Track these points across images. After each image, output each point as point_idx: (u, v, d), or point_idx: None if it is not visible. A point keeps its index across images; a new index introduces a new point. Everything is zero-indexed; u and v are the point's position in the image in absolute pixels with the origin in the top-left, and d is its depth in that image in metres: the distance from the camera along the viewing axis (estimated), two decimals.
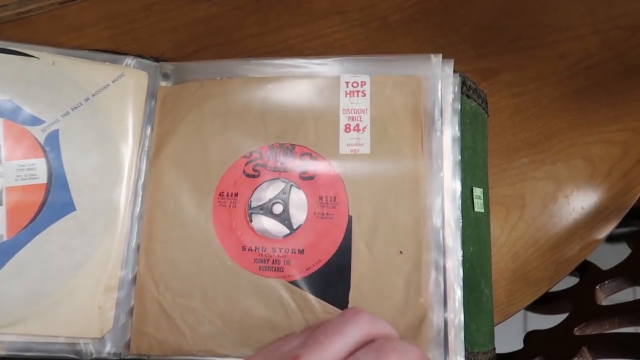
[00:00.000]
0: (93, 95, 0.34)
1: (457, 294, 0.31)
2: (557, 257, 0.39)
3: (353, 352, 0.22)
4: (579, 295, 0.36)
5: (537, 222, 0.39)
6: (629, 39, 0.44)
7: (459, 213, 0.32)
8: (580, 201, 0.40)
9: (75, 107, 0.33)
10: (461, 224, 0.32)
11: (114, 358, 0.30)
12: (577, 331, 0.33)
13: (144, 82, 0.35)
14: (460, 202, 0.32)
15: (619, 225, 0.41)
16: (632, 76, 0.43)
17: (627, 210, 0.40)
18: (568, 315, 0.35)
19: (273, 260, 0.31)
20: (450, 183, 0.32)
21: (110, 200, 0.32)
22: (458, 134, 0.32)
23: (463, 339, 0.30)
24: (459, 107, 0.33)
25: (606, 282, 0.36)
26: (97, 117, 0.34)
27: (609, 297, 0.37)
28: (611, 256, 0.44)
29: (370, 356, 0.21)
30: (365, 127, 0.33)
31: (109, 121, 0.34)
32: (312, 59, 0.35)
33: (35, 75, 0.33)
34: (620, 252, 0.42)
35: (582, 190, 0.40)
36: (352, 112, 0.33)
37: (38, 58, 0.33)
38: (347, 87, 0.34)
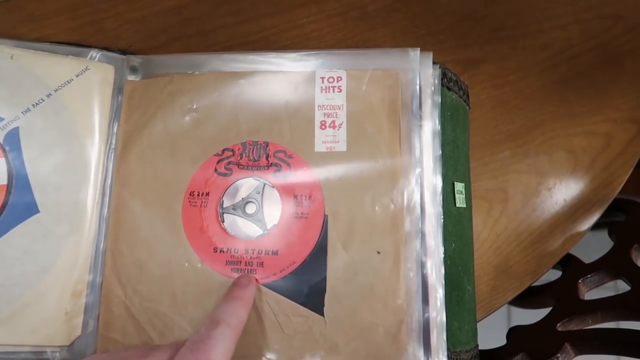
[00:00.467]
0: (55, 90, 0.32)
1: (438, 293, 0.30)
2: (540, 251, 0.38)
3: None
4: (562, 290, 0.36)
5: (520, 216, 0.39)
6: (610, 28, 0.44)
7: (440, 209, 0.31)
8: (562, 194, 0.40)
9: (37, 104, 0.32)
10: (442, 220, 0.31)
11: None
12: (560, 327, 0.33)
13: (110, 77, 0.33)
14: (441, 198, 0.31)
15: (602, 218, 0.40)
16: (614, 66, 0.43)
17: (610, 202, 0.40)
18: (551, 310, 0.35)
19: (246, 262, 0.30)
20: (431, 179, 0.31)
21: (76, 201, 0.31)
22: (438, 127, 0.31)
23: (445, 338, 0.29)
24: (439, 100, 0.32)
25: (589, 275, 0.36)
26: (60, 114, 0.32)
27: (592, 290, 0.36)
28: (594, 248, 0.44)
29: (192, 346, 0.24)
30: (341, 124, 0.32)
31: (73, 118, 0.32)
32: (287, 52, 0.33)
33: None
34: (603, 244, 0.42)
35: (564, 182, 0.40)
36: (328, 108, 0.32)
37: None
38: (323, 82, 0.33)
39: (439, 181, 0.31)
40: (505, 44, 0.42)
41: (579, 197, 0.40)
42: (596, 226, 0.40)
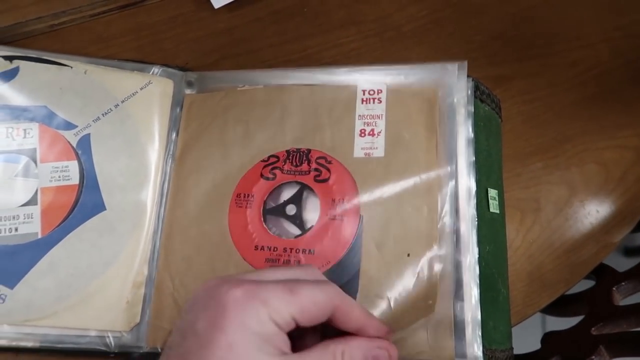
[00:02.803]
0: (122, 101, 0.36)
1: (473, 291, 0.32)
2: (573, 260, 0.40)
3: None
4: (596, 297, 0.37)
5: (552, 225, 0.41)
6: (638, 46, 0.46)
7: (474, 212, 0.33)
8: (594, 205, 0.42)
9: (106, 113, 0.36)
10: (477, 223, 0.33)
11: (140, 351, 0.32)
12: (594, 331, 0.34)
13: (170, 90, 0.38)
14: (475, 202, 0.34)
15: (635, 229, 0.42)
16: None
17: None
18: (585, 316, 0.37)
19: (284, 260, 0.33)
20: (466, 183, 0.34)
21: (138, 201, 0.35)
22: (472, 135, 0.34)
23: (480, 335, 0.31)
24: (473, 110, 0.35)
25: (623, 283, 0.37)
26: (125, 122, 0.36)
27: (626, 298, 0.38)
28: (627, 261, 0.45)
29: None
30: (380, 132, 0.35)
31: (137, 126, 0.36)
32: (331, 67, 0.37)
33: (68, 83, 0.36)
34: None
35: (596, 194, 0.42)
36: (368, 117, 0.36)
37: (71, 67, 0.36)
38: (364, 94, 0.36)
39: (472, 185, 0.34)
40: (534, 62, 0.45)
41: (612, 208, 0.42)
42: (632, 252, 0.41)
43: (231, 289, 0.24)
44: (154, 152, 0.36)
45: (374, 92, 0.36)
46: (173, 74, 0.38)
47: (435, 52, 0.44)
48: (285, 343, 0.24)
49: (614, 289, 0.37)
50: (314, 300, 0.24)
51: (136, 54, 0.40)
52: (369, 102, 0.36)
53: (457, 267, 0.32)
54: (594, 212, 0.41)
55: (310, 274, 0.27)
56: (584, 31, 0.46)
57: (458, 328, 0.31)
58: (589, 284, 0.42)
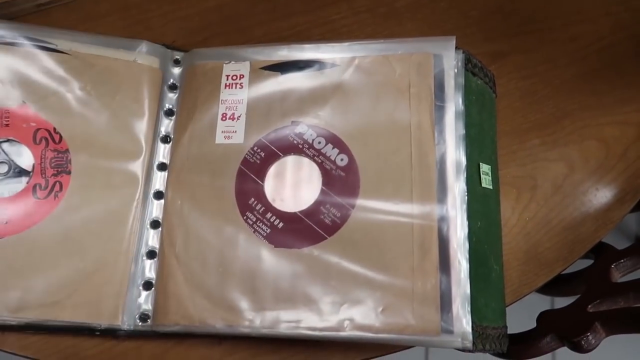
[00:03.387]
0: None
1: (462, 266, 0.32)
2: (572, 238, 0.39)
3: None
4: (594, 275, 0.36)
5: (550, 203, 0.40)
6: None
7: (464, 186, 0.33)
8: (593, 182, 0.41)
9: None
10: (466, 197, 0.33)
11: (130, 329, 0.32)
12: (590, 308, 0.34)
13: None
14: (465, 176, 0.33)
15: (636, 207, 0.41)
16: None
17: None
18: (582, 294, 0.36)
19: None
20: (454, 155, 0.33)
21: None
22: (462, 108, 0.34)
23: (469, 310, 0.31)
24: (462, 82, 0.34)
25: (622, 260, 0.36)
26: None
27: (625, 276, 0.37)
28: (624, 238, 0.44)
29: None
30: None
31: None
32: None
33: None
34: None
35: (595, 171, 0.41)
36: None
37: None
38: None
39: (462, 159, 0.33)
40: (532, 37, 0.44)
41: (612, 185, 0.41)
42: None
43: None
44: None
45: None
46: (160, 51, 0.38)
47: (430, 28, 0.43)
48: None
49: (612, 266, 0.36)
50: None
51: (124, 33, 0.40)
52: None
53: (445, 241, 0.32)
54: (592, 189, 0.40)
55: None
56: (584, 6, 0.45)
57: (445, 303, 0.30)
58: (587, 263, 0.41)
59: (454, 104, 0.34)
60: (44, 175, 0.34)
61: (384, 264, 0.32)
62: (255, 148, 0.35)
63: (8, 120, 0.34)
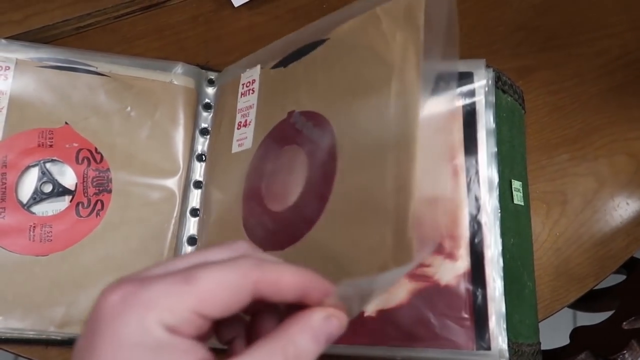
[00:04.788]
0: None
1: (497, 283, 0.32)
2: (603, 254, 0.40)
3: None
4: (627, 291, 0.37)
5: (580, 218, 0.40)
6: None
7: (497, 203, 0.33)
8: (624, 197, 0.41)
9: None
10: (499, 214, 0.33)
11: None
12: (625, 325, 0.34)
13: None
14: (498, 193, 0.34)
15: None
16: None
17: None
18: (616, 311, 0.36)
19: None
20: (487, 173, 0.34)
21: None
22: (493, 126, 0.34)
23: (505, 327, 0.31)
24: (494, 101, 0.35)
25: None
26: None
27: None
28: None
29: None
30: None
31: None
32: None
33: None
34: None
35: (625, 186, 0.41)
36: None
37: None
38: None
39: (495, 176, 0.34)
40: (559, 52, 0.45)
41: None
42: None
43: (109, 294, 0.19)
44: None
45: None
46: (194, 72, 0.39)
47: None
48: (193, 347, 0.19)
49: None
50: (218, 284, 0.19)
51: (159, 54, 0.42)
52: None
53: (479, 256, 0.32)
54: (623, 204, 0.41)
55: (235, 250, 0.22)
56: (610, 20, 0.46)
57: (482, 319, 0.31)
58: (620, 278, 0.42)
59: (484, 121, 0.35)
60: (86, 194, 0.36)
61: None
62: (259, 149, 0.35)
63: (52, 141, 0.36)
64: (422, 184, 0.26)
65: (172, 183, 0.37)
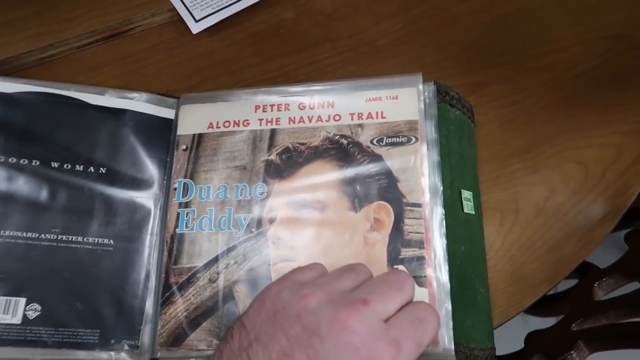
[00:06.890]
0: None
1: (442, 286, 0.34)
2: (556, 259, 0.41)
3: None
4: (578, 294, 0.39)
5: (533, 225, 0.42)
6: (614, 47, 0.48)
7: (442, 210, 0.35)
8: (575, 203, 0.43)
9: None
10: (444, 221, 0.35)
11: None
12: (574, 327, 0.36)
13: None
14: (442, 199, 0.36)
15: (618, 226, 0.43)
16: (620, 82, 0.47)
17: (624, 211, 0.43)
18: (567, 314, 0.38)
19: None
20: (431, 181, 0.36)
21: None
22: (435, 136, 0.37)
23: (452, 328, 0.33)
24: (435, 113, 0.37)
25: (604, 279, 0.38)
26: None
27: (608, 294, 0.39)
28: (609, 255, 0.46)
29: (415, 322, 0.26)
30: None
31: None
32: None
33: None
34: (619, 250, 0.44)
35: (576, 193, 0.43)
36: None
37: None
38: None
39: (438, 184, 0.36)
40: (508, 67, 0.47)
41: (593, 206, 0.43)
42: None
43: (353, 322, 0.24)
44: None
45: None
46: (155, 100, 0.42)
47: (409, 63, 0.47)
48: None
49: (595, 285, 0.38)
50: (434, 334, 0.27)
51: (120, 81, 0.44)
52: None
53: (424, 264, 0.34)
54: (574, 211, 0.43)
55: (367, 272, 0.29)
56: (557, 35, 0.49)
57: None
58: (572, 283, 0.43)
59: (425, 132, 0.37)
60: None
61: None
62: None
63: None
64: None
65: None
